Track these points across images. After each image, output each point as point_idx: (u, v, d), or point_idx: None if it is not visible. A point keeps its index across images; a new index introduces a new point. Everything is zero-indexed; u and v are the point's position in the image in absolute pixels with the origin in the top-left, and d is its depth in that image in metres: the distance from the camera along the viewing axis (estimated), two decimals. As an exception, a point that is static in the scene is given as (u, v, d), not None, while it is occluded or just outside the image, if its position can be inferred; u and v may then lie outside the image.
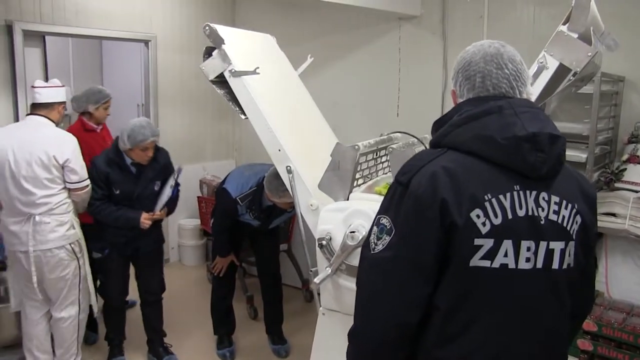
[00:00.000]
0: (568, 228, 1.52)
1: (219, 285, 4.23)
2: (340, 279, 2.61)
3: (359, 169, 2.74)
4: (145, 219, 3.72)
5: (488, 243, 1.42)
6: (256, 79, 3.02)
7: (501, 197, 1.44)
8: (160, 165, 3.83)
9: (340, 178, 2.69)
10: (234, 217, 3.97)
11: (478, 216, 1.42)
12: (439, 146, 1.55)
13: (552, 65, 2.33)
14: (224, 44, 3.03)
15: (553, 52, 2.32)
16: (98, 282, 4.05)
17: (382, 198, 2.59)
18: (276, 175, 3.60)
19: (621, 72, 4.00)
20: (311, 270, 2.88)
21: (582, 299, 1.68)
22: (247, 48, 3.32)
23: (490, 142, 1.46)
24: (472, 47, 1.63)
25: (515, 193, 1.46)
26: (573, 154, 3.78)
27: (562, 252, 1.51)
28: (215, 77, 3.09)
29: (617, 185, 3.75)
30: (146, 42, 5.59)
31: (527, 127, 1.45)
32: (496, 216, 1.43)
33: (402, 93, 5.27)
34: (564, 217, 1.51)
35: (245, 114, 3.06)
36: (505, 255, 1.44)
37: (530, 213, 1.46)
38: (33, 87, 3.61)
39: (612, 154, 4.15)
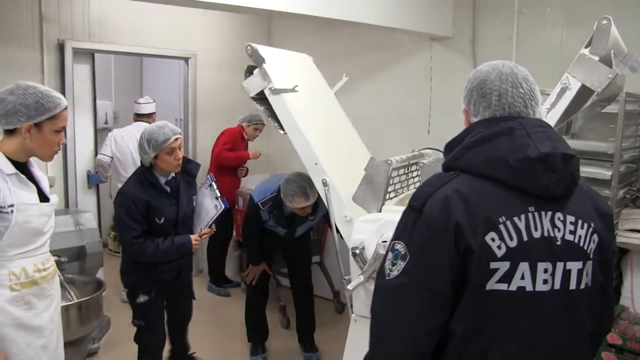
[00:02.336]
0: (585, 247, 1.50)
1: (253, 294, 4.41)
2: (372, 286, 2.75)
3: (391, 183, 2.89)
4: (196, 241, 3.43)
5: (504, 266, 1.41)
6: (294, 96, 3.19)
7: (515, 219, 1.43)
8: (194, 179, 3.58)
9: (373, 191, 2.83)
10: (259, 222, 4.13)
11: (493, 239, 1.41)
12: (451, 169, 1.55)
13: (575, 86, 2.46)
14: (264, 62, 3.21)
15: (575, 74, 2.46)
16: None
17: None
18: (287, 181, 3.81)
19: (647, 93, 4.10)
20: (344, 279, 3.03)
21: (602, 317, 1.65)
22: (285, 67, 3.50)
23: (502, 165, 1.45)
24: (485, 67, 1.63)
25: (530, 215, 1.45)
26: (598, 172, 3.88)
27: (580, 272, 1.49)
28: (256, 94, 3.27)
29: (642, 202, 3.84)
30: (186, 60, 5.83)
31: (539, 147, 1.45)
32: (511, 239, 1.42)
33: (432, 111, 5.41)
34: (580, 236, 1.49)
35: (283, 129, 3.24)
36: (522, 277, 1.42)
37: (546, 234, 1.45)
38: (137, 102, 5.44)
39: (638, 172, 4.24)
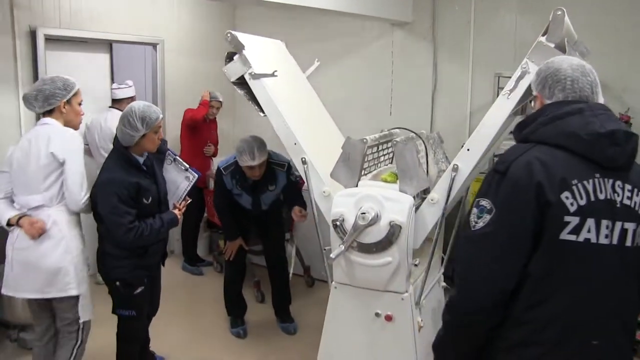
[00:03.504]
0: (639, 212, 1.77)
1: (230, 270, 4.62)
2: (352, 255, 3.00)
3: (365, 160, 3.13)
4: (179, 215, 3.49)
5: (575, 220, 1.68)
6: (273, 80, 3.39)
7: (585, 182, 1.70)
8: (164, 156, 3.59)
9: (350, 167, 3.07)
10: (225, 191, 4.32)
11: (567, 197, 1.68)
12: (527, 141, 1.82)
13: (533, 70, 2.70)
14: (244, 49, 3.38)
15: (534, 59, 2.71)
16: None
17: (386, 184, 3.03)
18: (241, 139, 4.10)
19: (594, 75, 4.42)
20: (325, 249, 3.27)
21: None
22: (262, 53, 3.68)
23: (575, 137, 1.73)
24: (557, 59, 1.92)
25: (596, 180, 1.72)
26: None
27: (634, 232, 1.76)
28: (237, 79, 3.45)
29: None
30: (154, 45, 5.95)
31: (605, 125, 1.73)
32: (581, 198, 1.69)
33: (394, 93, 5.68)
34: (636, 202, 1.76)
35: (263, 112, 3.43)
36: (589, 231, 1.69)
37: (608, 197, 1.72)
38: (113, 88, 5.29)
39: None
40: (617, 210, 1.74)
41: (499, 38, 4.99)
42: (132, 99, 5.12)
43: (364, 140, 3.04)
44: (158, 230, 3.28)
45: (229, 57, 3.49)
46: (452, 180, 2.94)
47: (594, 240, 1.71)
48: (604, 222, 1.72)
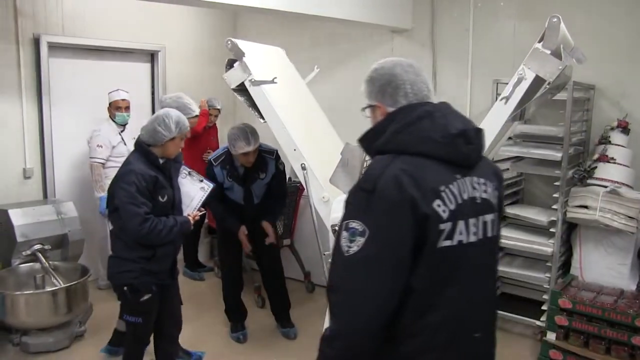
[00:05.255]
0: (493, 202, 1.82)
1: (228, 280, 4.64)
2: (350, 259, 3.02)
3: (364, 165, 3.16)
4: (193, 220, 3.52)
5: (448, 226, 1.65)
6: (273, 87, 3.44)
7: (451, 186, 1.68)
8: (180, 166, 3.62)
9: (349, 173, 3.10)
10: (217, 187, 4.20)
11: (439, 205, 1.63)
12: (383, 152, 1.74)
13: (530, 76, 2.76)
14: (244, 56, 3.43)
15: (530, 65, 2.76)
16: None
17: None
18: (232, 128, 4.15)
19: (591, 81, 4.46)
20: (324, 254, 3.31)
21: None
22: (262, 60, 3.73)
23: (432, 142, 1.69)
24: (385, 62, 1.87)
25: (458, 181, 1.71)
26: (550, 153, 4.24)
27: (492, 222, 1.81)
28: (237, 86, 3.50)
29: (589, 181, 4.20)
30: (156, 53, 6.00)
31: (456, 125, 1.73)
32: (451, 203, 1.66)
33: (394, 100, 5.70)
34: (489, 194, 1.80)
35: (263, 118, 3.48)
36: (460, 233, 1.68)
37: (470, 195, 1.73)
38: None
39: (584, 154, 4.61)
40: (478, 206, 1.76)
41: (498, 44, 5.02)
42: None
43: (363, 146, 3.07)
44: (170, 228, 3.29)
45: (230, 64, 3.55)
46: (450, 185, 2.96)
47: (465, 240, 1.71)
48: (471, 221, 1.73)
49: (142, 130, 3.36)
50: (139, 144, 3.36)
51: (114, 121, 5.13)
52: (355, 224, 1.63)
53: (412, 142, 1.70)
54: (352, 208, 1.69)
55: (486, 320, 1.87)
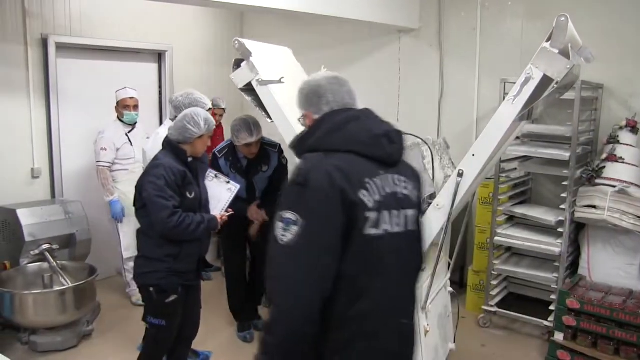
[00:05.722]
0: (413, 199, 2.02)
1: (231, 278, 4.67)
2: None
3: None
4: (220, 219, 3.50)
5: (374, 215, 1.84)
6: (280, 86, 3.43)
7: (375, 179, 1.88)
8: (206, 166, 3.66)
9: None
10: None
11: (364, 195, 1.83)
12: (315, 150, 1.92)
13: (537, 76, 2.75)
14: (251, 56, 3.42)
15: (538, 65, 2.74)
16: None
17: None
18: (235, 119, 4.18)
19: (600, 80, 4.45)
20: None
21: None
22: (269, 59, 3.72)
23: (359, 141, 1.91)
24: (313, 76, 2.11)
25: (382, 176, 1.91)
26: (558, 153, 4.22)
27: (413, 217, 2.00)
28: (244, 86, 3.50)
29: (597, 181, 4.18)
30: (163, 53, 6.02)
31: (380, 127, 1.97)
32: (376, 194, 1.86)
33: (401, 100, 5.71)
34: (409, 191, 2.00)
35: (271, 118, 3.48)
36: (385, 222, 1.88)
37: (393, 190, 1.93)
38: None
39: (592, 154, 4.60)
40: (400, 200, 1.95)
41: (506, 44, 5.01)
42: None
43: (370, 145, 3.07)
44: (198, 224, 3.27)
45: (237, 64, 3.54)
46: (458, 185, 2.96)
47: (390, 230, 1.90)
48: (394, 213, 1.92)
49: (170, 130, 3.39)
50: (168, 142, 3.37)
51: (121, 121, 5.04)
52: (289, 215, 1.78)
53: (342, 142, 1.91)
54: (287, 201, 1.84)
55: (410, 307, 2.05)
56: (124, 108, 5.00)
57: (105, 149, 4.92)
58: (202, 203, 3.44)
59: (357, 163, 1.87)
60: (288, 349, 1.80)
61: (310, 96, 2.05)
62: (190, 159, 3.36)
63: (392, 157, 1.97)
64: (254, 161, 4.32)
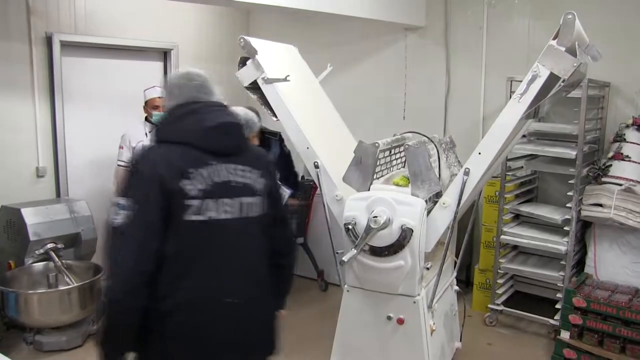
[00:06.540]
0: (255, 187, 2.17)
1: None
2: (364, 259, 3.02)
3: (377, 164, 3.16)
4: None
5: (195, 203, 2.00)
6: (285, 84, 3.42)
7: (201, 170, 2.02)
8: None
9: (362, 171, 3.10)
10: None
11: (186, 184, 1.98)
12: (158, 142, 2.12)
13: (544, 74, 2.73)
14: (257, 54, 3.42)
15: (545, 62, 2.73)
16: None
17: (398, 188, 3.05)
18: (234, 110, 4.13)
19: (607, 79, 4.42)
20: (337, 252, 3.30)
21: (280, 238, 2.34)
22: (275, 58, 3.72)
23: (190, 133, 2.06)
24: (174, 73, 2.35)
25: (212, 167, 2.05)
26: (564, 151, 4.20)
27: (254, 204, 2.16)
28: (249, 84, 3.49)
29: (603, 179, 4.16)
30: (169, 51, 6.01)
31: (217, 120, 2.10)
32: (200, 183, 2.01)
33: (408, 97, 5.69)
34: (250, 179, 2.15)
35: (276, 116, 3.47)
36: (210, 210, 2.03)
37: (225, 179, 2.08)
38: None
39: (599, 152, 4.58)
40: (233, 189, 2.10)
41: (512, 42, 4.99)
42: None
43: (376, 144, 3.07)
44: None
45: (242, 62, 3.53)
46: (464, 183, 2.95)
47: (216, 216, 2.04)
48: (225, 201, 2.07)
49: None
50: None
51: (148, 121, 4.84)
52: (122, 201, 1.97)
53: (175, 133, 2.09)
54: (122, 187, 2.05)
55: (243, 288, 2.15)
56: (153, 108, 4.76)
57: (122, 148, 4.84)
58: None
59: (185, 153, 2.03)
60: (116, 319, 1.98)
61: (165, 92, 2.27)
62: None
63: (225, 148, 2.11)
64: None
